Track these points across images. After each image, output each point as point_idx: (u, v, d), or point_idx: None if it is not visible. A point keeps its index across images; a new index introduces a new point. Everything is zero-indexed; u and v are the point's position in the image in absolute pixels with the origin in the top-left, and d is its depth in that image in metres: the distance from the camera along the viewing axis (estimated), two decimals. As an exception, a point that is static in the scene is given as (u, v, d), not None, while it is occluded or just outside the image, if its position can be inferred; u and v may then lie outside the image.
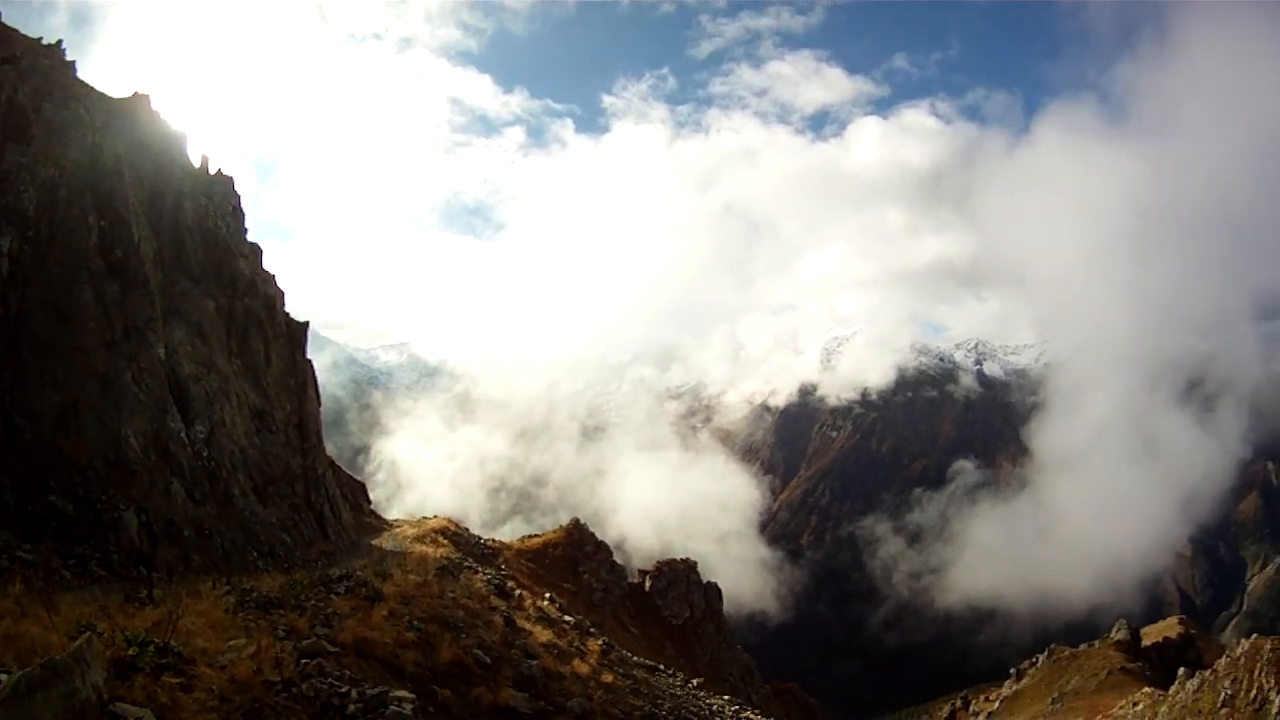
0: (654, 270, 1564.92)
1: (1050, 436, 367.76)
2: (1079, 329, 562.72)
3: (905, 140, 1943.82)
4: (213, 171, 36.69)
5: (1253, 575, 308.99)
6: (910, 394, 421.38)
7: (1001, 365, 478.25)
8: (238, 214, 37.82)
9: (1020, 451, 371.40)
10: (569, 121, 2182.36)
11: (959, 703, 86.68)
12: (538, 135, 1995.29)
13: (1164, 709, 44.06)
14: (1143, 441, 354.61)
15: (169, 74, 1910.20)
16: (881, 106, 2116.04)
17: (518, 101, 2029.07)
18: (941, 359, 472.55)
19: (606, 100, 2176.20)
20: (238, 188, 38.45)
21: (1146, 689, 54.39)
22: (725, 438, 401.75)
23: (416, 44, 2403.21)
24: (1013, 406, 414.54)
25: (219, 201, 35.77)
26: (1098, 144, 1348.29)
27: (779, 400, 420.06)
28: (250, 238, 38.78)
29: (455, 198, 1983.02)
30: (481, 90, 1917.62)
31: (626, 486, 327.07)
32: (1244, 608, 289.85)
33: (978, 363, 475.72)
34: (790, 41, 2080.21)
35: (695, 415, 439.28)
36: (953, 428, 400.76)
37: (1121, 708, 50.43)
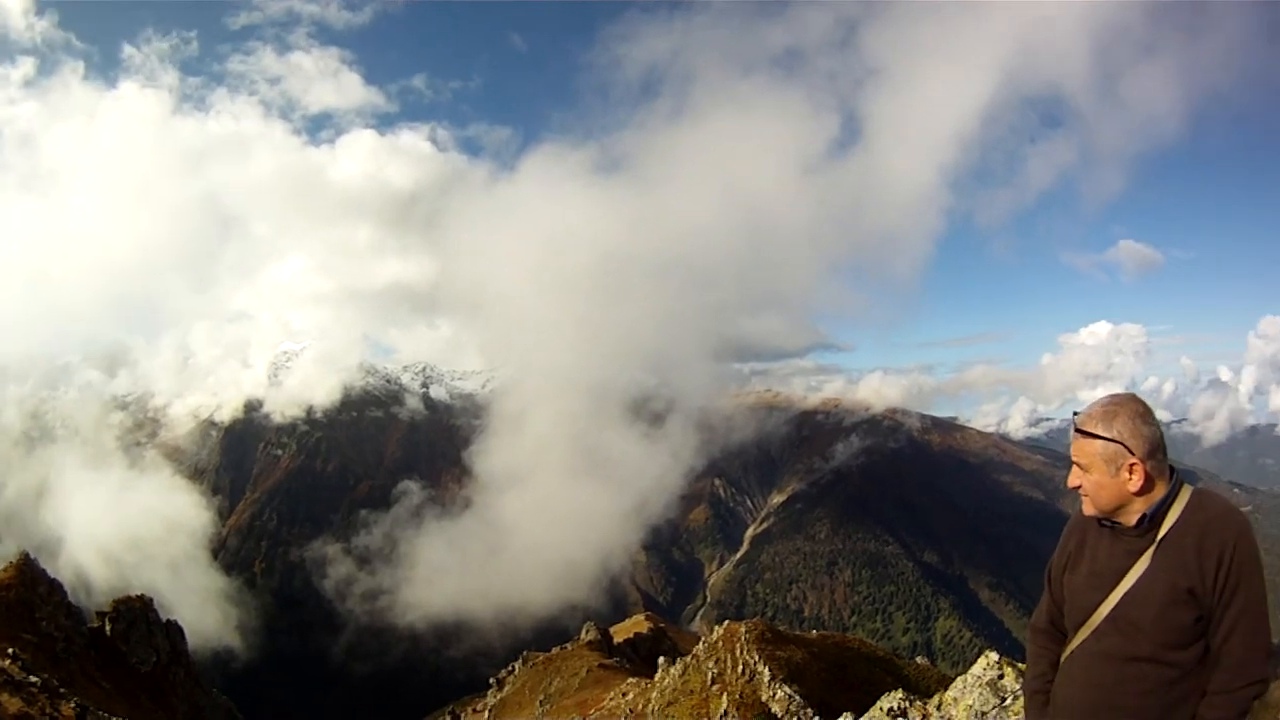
0: (119, 257, 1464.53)
1: (494, 457, 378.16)
2: (529, 359, 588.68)
3: (394, 160, 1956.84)
4: None
5: (711, 573, 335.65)
6: (356, 414, 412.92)
7: (448, 389, 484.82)
8: None
9: (464, 472, 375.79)
10: (81, 65, 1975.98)
11: (448, 718, 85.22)
12: (48, 73, 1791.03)
13: (655, 694, 44.50)
14: (590, 460, 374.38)
15: None
16: (384, 122, 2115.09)
17: (45, 27, 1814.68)
18: (388, 380, 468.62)
19: (127, 50, 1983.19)
20: None
21: (631, 679, 55.18)
22: (172, 454, 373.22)
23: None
24: (457, 429, 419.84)
25: None
26: (583, 190, 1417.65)
27: (224, 416, 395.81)
28: None
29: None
30: (15, 3, 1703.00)
31: (73, 510, 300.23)
32: (708, 600, 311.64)
33: (424, 386, 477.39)
34: (325, 35, 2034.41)
35: (142, 428, 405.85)
36: (398, 449, 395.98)
37: (612, 699, 50.61)
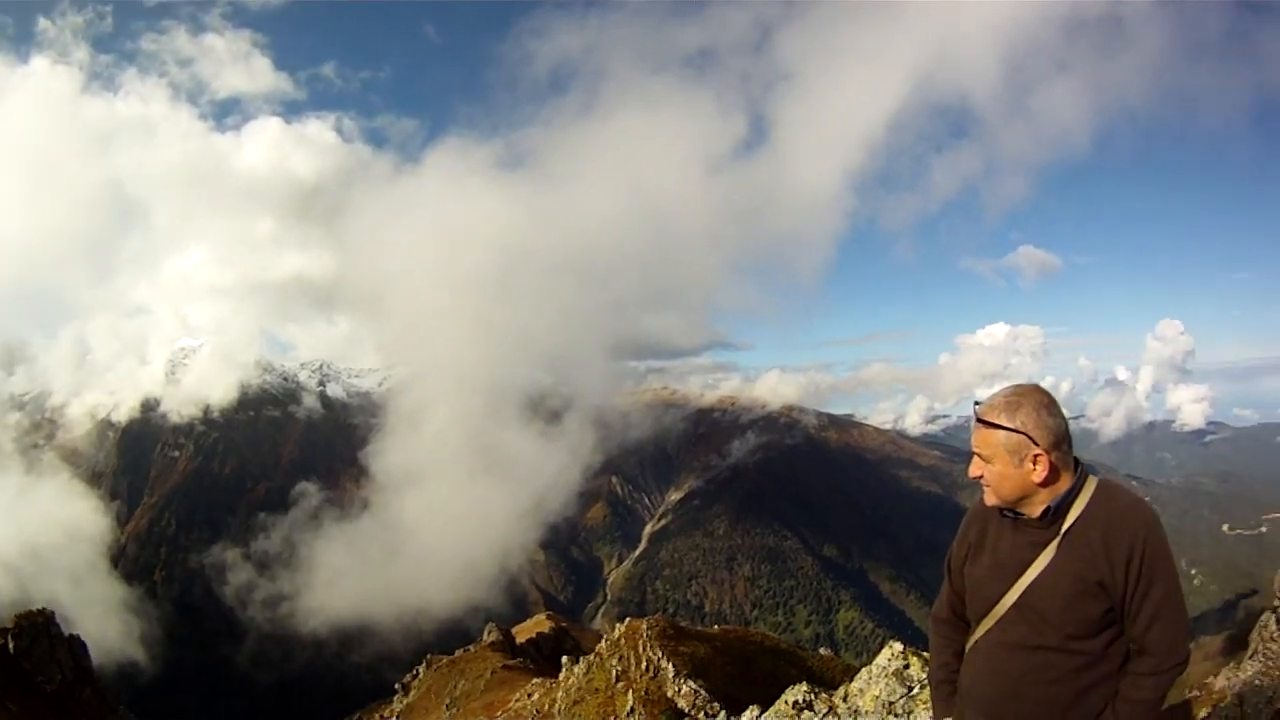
0: (20, 244, 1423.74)
1: (391, 457, 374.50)
2: (427, 356, 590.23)
3: (299, 150, 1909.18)
4: None
5: (611, 571, 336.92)
6: (253, 413, 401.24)
7: (345, 388, 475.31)
8: None
9: (361, 473, 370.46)
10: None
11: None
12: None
13: (560, 693, 44.47)
14: (488, 459, 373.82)
15: None
16: (291, 110, 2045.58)
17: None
18: (285, 378, 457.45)
19: (42, 24, 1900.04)
20: None
21: (536, 680, 55.19)
22: (70, 456, 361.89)
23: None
24: (355, 429, 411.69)
25: None
26: (486, 185, 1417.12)
27: (121, 415, 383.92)
28: None
29: None
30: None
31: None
32: (609, 598, 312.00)
33: (321, 384, 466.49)
34: (240, 16, 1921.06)
35: (40, 429, 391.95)
36: (295, 449, 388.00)
37: (518, 699, 50.51)
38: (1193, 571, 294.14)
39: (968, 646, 4.89)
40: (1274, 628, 14.56)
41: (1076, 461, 4.50)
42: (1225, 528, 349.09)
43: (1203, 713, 13.15)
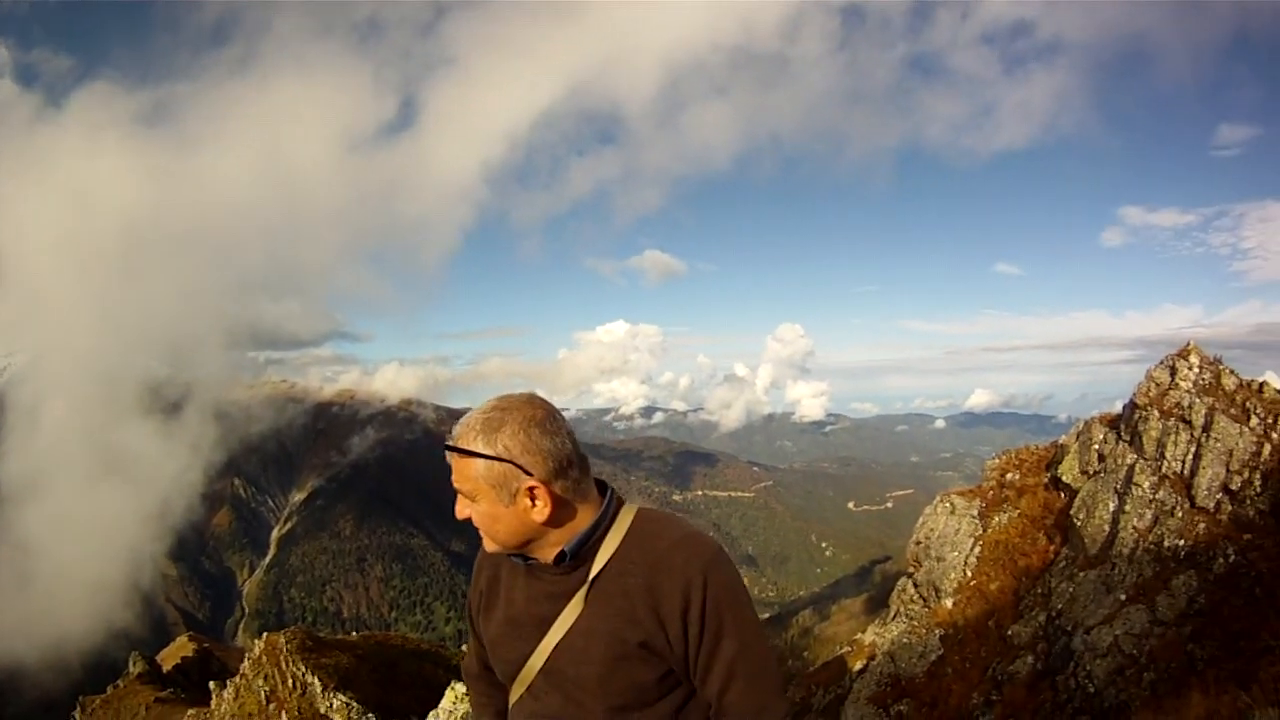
0: None
1: (13, 462, 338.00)
2: (46, 340, 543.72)
3: None
4: None
5: (244, 581, 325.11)
6: None
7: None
8: None
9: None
10: None
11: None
12: None
13: None
14: (108, 460, 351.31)
15: None
16: None
17: None
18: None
19: None
20: None
21: (190, 711, 54.70)
22: None
23: None
24: None
25: None
26: (124, 141, 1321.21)
27: None
28: None
29: None
30: None
31: None
32: (246, 612, 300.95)
33: None
34: None
35: None
36: None
37: (169, 733, 49.86)
38: (823, 544, 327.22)
39: (509, 710, 3.48)
40: (912, 591, 17.74)
41: (604, 487, 3.20)
42: (851, 505, 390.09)
43: (858, 665, 16.62)
